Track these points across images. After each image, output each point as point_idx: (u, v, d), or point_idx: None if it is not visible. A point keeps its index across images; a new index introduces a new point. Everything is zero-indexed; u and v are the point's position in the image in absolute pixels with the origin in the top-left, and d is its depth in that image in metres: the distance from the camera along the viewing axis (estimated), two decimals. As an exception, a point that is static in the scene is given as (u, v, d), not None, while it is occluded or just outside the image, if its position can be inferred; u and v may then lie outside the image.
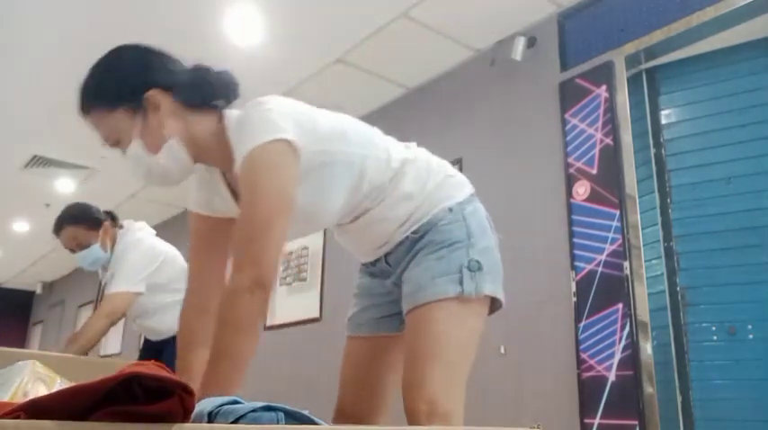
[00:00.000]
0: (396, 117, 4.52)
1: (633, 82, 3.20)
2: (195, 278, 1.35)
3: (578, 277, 3.06)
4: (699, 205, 2.96)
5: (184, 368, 1.28)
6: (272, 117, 1.17)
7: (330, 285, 4.64)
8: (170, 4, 3.60)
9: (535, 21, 3.65)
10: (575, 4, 3.48)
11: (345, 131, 1.28)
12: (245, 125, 1.19)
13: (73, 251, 2.54)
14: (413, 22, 3.70)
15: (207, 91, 1.26)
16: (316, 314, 4.71)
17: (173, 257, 2.63)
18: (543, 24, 3.62)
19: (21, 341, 11.09)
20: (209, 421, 0.70)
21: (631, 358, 2.77)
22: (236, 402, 0.73)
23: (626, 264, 2.88)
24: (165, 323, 2.56)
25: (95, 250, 2.52)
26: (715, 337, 2.81)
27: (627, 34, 3.17)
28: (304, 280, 4.99)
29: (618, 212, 2.97)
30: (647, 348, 2.80)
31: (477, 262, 1.26)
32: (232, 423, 0.69)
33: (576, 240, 3.12)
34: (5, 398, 0.85)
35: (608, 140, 3.10)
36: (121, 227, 2.63)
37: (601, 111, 3.16)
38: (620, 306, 2.86)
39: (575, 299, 3.04)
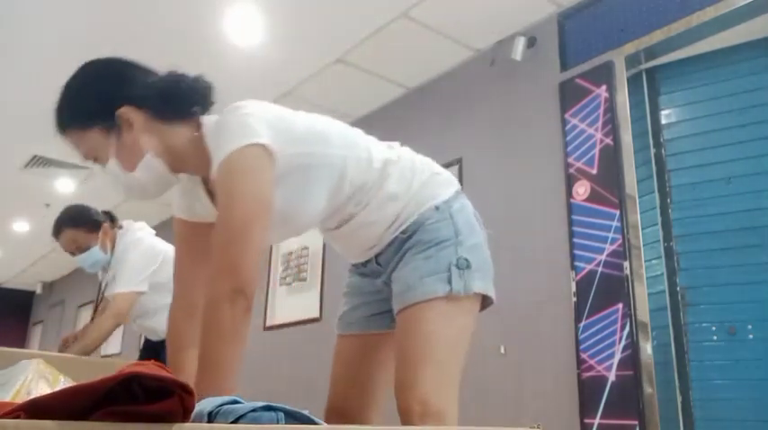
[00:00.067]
0: (396, 117, 4.52)
1: (633, 82, 3.20)
2: (181, 282, 1.36)
3: (578, 277, 3.06)
4: (699, 205, 2.96)
5: (176, 369, 1.27)
6: (248, 121, 1.17)
7: (330, 285, 4.64)
8: (170, 4, 3.60)
9: (535, 21, 3.65)
10: (575, 4, 3.48)
11: (324, 132, 1.28)
12: (222, 130, 1.19)
13: (73, 254, 2.54)
14: (413, 22, 3.70)
15: (180, 101, 1.24)
16: (316, 314, 4.71)
17: (172, 257, 2.63)
18: (543, 24, 3.62)
19: (21, 341, 11.09)
20: (209, 421, 0.70)
21: (631, 358, 2.77)
22: (235, 402, 0.73)
23: (626, 264, 2.88)
24: (165, 323, 2.56)
25: (95, 252, 2.52)
26: (715, 337, 2.81)
27: (627, 34, 3.17)
28: (304, 280, 4.99)
29: (618, 212, 2.97)
30: (647, 348, 2.80)
31: (466, 260, 1.26)
32: (232, 423, 0.69)
33: (576, 240, 3.12)
34: (9, 396, 0.85)
35: (608, 140, 3.10)
36: (121, 227, 2.63)
37: (601, 111, 3.17)
38: (620, 306, 2.86)
39: (575, 299, 3.04)
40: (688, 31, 2.96)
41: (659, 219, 3.03)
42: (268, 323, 5.20)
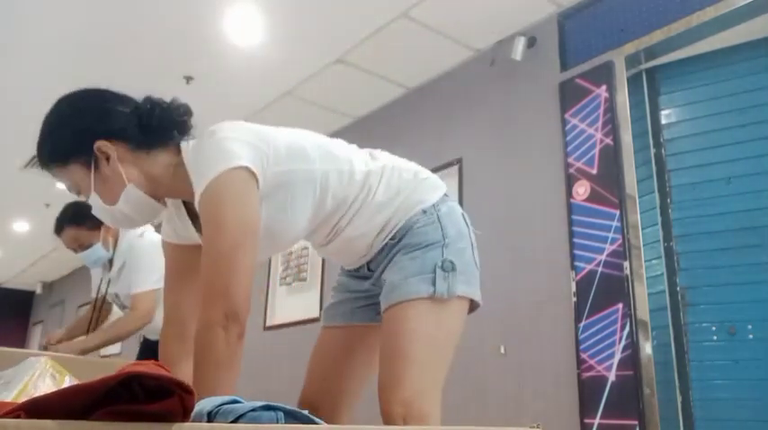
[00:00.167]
0: (396, 117, 4.53)
1: (633, 82, 3.20)
2: (172, 307, 1.35)
3: (578, 277, 3.06)
4: (699, 205, 2.96)
5: None
6: (225, 146, 1.16)
7: (330, 285, 4.62)
8: (170, 4, 3.60)
9: (535, 21, 3.65)
10: (575, 4, 3.48)
11: (304, 148, 1.26)
12: (200, 157, 1.18)
13: (75, 251, 2.55)
14: (413, 22, 3.70)
15: (156, 129, 1.24)
16: (316, 314, 4.71)
17: None
18: (543, 24, 3.62)
19: (21, 341, 11.09)
20: (209, 420, 0.70)
21: (631, 358, 2.77)
22: (235, 401, 0.73)
23: (626, 264, 2.88)
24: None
25: (97, 249, 2.52)
26: (715, 337, 2.81)
27: (627, 34, 3.17)
28: (304, 280, 5.00)
29: (618, 212, 2.97)
30: (647, 348, 2.80)
31: (451, 262, 1.26)
32: (232, 422, 0.69)
33: (576, 240, 3.12)
34: (13, 394, 0.85)
35: (608, 140, 3.10)
36: None
37: (601, 111, 3.17)
38: (620, 306, 2.86)
39: (575, 299, 3.04)
40: (688, 31, 2.96)
41: (659, 219, 3.03)
42: (268, 323, 5.20)
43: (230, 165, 1.13)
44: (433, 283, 1.23)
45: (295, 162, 1.24)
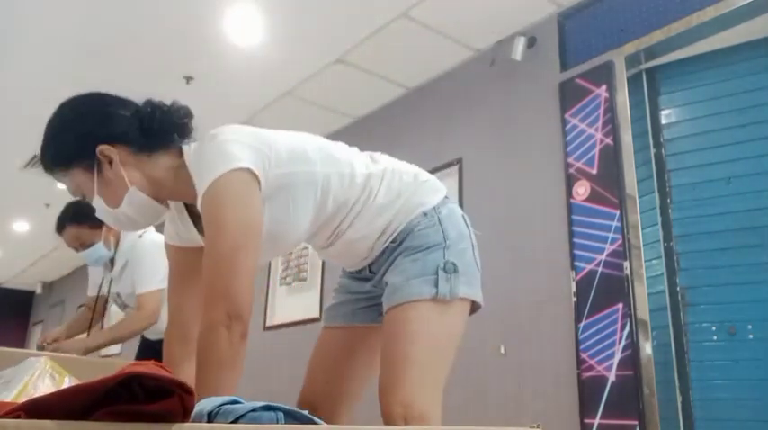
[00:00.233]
0: (396, 117, 4.53)
1: (633, 82, 3.20)
2: (175, 309, 1.36)
3: (578, 277, 3.06)
4: (699, 205, 2.96)
5: None
6: (226, 148, 1.16)
7: (330, 285, 4.63)
8: (170, 4, 3.60)
9: (535, 21, 3.65)
10: (575, 4, 3.48)
11: (305, 151, 1.27)
12: (202, 159, 1.19)
13: (76, 250, 2.55)
14: (413, 22, 3.70)
15: (157, 132, 1.25)
16: (316, 314, 4.71)
17: None
18: (543, 24, 3.63)
19: (21, 341, 11.09)
20: (209, 421, 0.70)
21: (631, 358, 2.77)
22: (235, 402, 0.73)
23: (626, 264, 2.88)
24: (166, 320, 2.56)
25: (99, 248, 2.52)
26: (715, 337, 2.81)
27: (627, 34, 3.17)
28: (304, 280, 5.00)
29: (618, 212, 2.97)
30: (647, 348, 2.80)
31: (453, 264, 1.26)
32: (232, 422, 0.69)
33: (576, 240, 3.12)
34: (13, 394, 0.85)
35: (608, 140, 3.10)
36: None
37: (601, 111, 3.17)
38: (620, 306, 2.86)
39: (575, 299, 3.05)
40: (688, 31, 2.96)
41: (659, 219, 3.03)
42: (268, 323, 5.20)
43: (231, 167, 1.13)
44: (436, 285, 1.24)
45: (296, 164, 1.25)
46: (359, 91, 4.47)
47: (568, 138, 3.29)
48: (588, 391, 2.89)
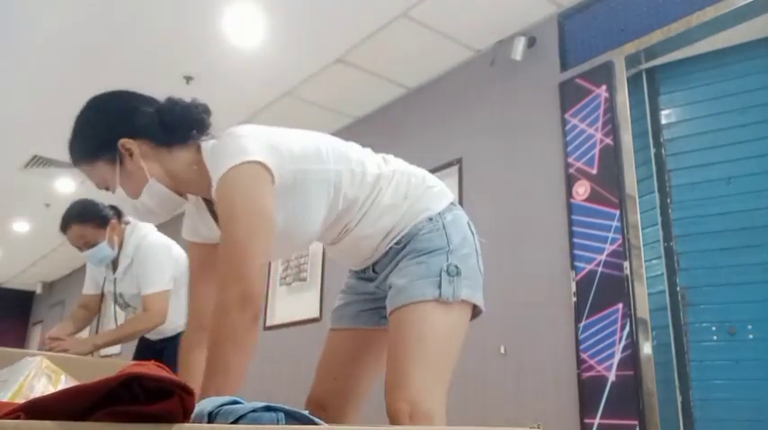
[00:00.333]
0: (396, 117, 4.52)
1: (633, 82, 3.20)
2: (195, 301, 1.40)
3: (578, 277, 3.06)
4: (699, 205, 2.96)
5: (186, 370, 1.33)
6: (241, 143, 1.22)
7: (330, 285, 4.64)
8: (170, 4, 3.60)
9: (535, 21, 3.65)
10: (575, 4, 3.48)
11: (318, 149, 1.32)
12: (219, 152, 1.25)
13: (80, 249, 2.54)
14: (413, 22, 3.70)
15: (177, 128, 1.31)
16: (316, 314, 4.71)
17: (177, 252, 2.65)
18: (543, 24, 3.62)
19: (20, 341, 11.10)
20: (210, 421, 0.70)
21: (631, 358, 2.77)
22: (236, 402, 0.73)
23: (626, 264, 2.88)
24: (169, 321, 2.56)
25: (103, 248, 2.52)
26: (715, 337, 2.81)
27: (627, 34, 3.17)
28: (304, 280, 5.00)
29: (618, 212, 2.97)
30: (646, 348, 2.80)
31: (456, 267, 1.30)
32: (232, 423, 0.69)
33: (576, 240, 3.12)
34: (9, 394, 0.85)
35: (608, 140, 3.10)
36: (128, 223, 2.63)
37: (601, 111, 3.17)
38: (620, 306, 2.86)
39: (575, 299, 3.04)
40: (688, 31, 2.96)
41: (659, 219, 3.03)
42: (268, 323, 5.20)
43: (243, 159, 1.19)
44: (439, 286, 1.27)
45: (309, 162, 1.29)
46: (359, 91, 4.47)
47: (568, 138, 3.29)
48: (588, 391, 2.89)
